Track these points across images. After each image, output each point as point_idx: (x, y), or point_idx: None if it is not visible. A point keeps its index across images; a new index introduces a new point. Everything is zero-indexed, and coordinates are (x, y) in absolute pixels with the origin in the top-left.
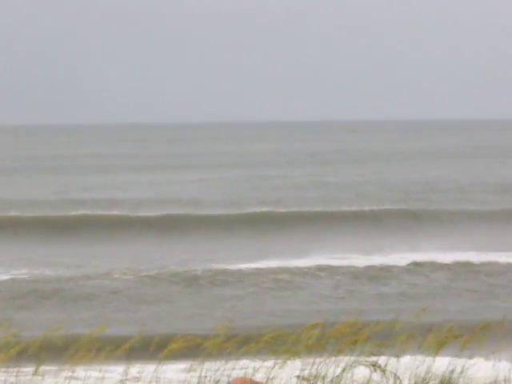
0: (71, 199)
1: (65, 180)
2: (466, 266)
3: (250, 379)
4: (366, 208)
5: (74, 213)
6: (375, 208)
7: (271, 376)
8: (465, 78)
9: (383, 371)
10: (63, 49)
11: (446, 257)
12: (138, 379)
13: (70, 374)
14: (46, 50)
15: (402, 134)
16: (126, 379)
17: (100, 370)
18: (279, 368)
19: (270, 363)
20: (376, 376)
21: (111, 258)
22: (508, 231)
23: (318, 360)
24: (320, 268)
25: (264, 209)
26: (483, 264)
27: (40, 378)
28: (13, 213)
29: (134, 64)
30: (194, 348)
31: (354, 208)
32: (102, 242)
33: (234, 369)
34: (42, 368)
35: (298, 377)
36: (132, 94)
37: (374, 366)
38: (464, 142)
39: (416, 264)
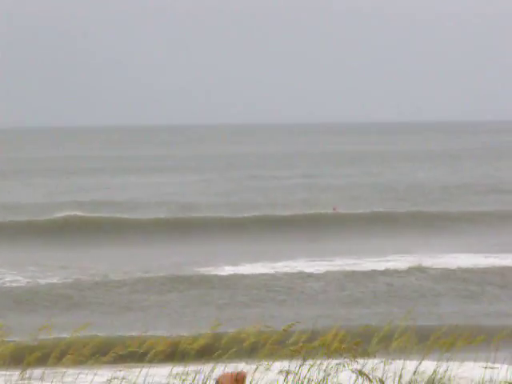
0: (62, 201)
1: (62, 182)
2: (454, 268)
3: (234, 373)
4: (357, 211)
5: (67, 214)
6: (367, 210)
7: (256, 377)
8: (455, 78)
9: (368, 376)
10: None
11: (439, 259)
12: (126, 382)
13: (57, 377)
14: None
15: (389, 136)
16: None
17: (87, 374)
18: (264, 370)
19: (254, 365)
20: (361, 380)
21: (103, 260)
22: (501, 232)
23: (303, 363)
24: (308, 271)
25: (256, 213)
26: (472, 265)
27: (26, 381)
28: (3, 217)
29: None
30: (181, 350)
31: (342, 211)
32: (94, 244)
33: (219, 370)
34: (29, 371)
35: (287, 372)
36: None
37: (360, 372)
38: (453, 144)
39: (407, 266)
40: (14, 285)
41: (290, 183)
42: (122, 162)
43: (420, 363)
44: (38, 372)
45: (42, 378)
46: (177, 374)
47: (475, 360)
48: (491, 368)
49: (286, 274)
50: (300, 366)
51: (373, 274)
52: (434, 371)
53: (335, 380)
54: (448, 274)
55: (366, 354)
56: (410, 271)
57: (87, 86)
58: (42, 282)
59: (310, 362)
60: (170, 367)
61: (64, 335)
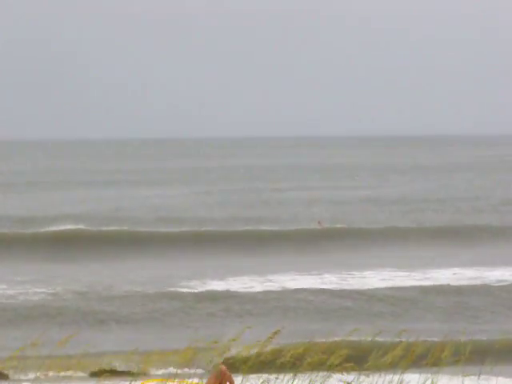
0: (55, 214)
1: (54, 195)
2: (447, 281)
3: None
4: (343, 225)
5: (61, 227)
6: (353, 225)
7: None
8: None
9: None
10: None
11: (429, 274)
12: None
13: None
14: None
15: (377, 150)
16: None
17: None
18: (246, 382)
19: (240, 378)
20: None
21: (92, 273)
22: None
23: (292, 375)
24: (297, 285)
25: (249, 227)
26: (464, 279)
27: None
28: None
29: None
30: (168, 363)
31: (327, 225)
32: (84, 258)
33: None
34: None
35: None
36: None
37: None
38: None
39: (397, 280)
40: (7, 299)
41: (279, 196)
42: (112, 175)
43: (401, 376)
44: None
45: None
46: None
47: (464, 374)
48: (474, 377)
49: (274, 287)
50: (289, 378)
51: (363, 288)
52: None
53: None
54: (440, 288)
55: (355, 367)
56: (401, 285)
57: (71, 102)
58: (26, 296)
59: (299, 375)
60: (158, 379)
61: (51, 349)
